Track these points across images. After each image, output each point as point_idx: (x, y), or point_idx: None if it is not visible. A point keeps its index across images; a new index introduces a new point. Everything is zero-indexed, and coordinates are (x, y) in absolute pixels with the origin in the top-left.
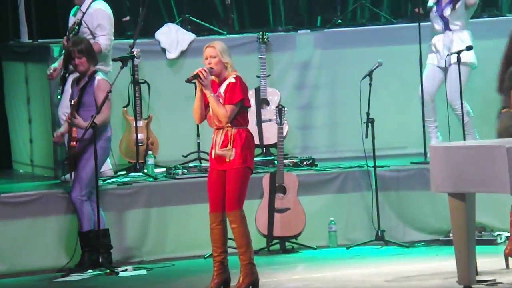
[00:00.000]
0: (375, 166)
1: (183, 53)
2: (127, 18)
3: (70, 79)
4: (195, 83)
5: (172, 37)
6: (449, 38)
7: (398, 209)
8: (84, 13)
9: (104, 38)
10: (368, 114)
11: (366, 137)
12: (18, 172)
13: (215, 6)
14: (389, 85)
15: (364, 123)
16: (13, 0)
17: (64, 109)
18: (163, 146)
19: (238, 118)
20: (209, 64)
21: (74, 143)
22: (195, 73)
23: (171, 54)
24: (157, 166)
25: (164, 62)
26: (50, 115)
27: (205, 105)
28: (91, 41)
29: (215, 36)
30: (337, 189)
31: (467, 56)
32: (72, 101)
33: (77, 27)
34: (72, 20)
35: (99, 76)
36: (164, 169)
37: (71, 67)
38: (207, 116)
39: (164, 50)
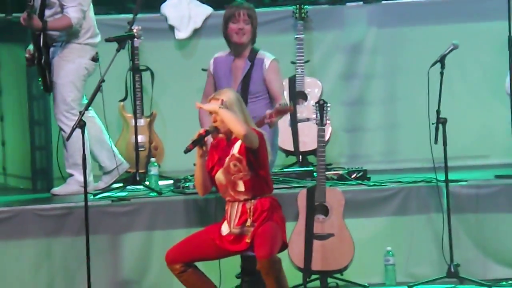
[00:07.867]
0: (447, 181)
1: (196, 32)
2: None
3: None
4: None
5: (183, 11)
6: None
7: (478, 236)
8: None
9: (74, 10)
10: (438, 112)
11: (436, 142)
12: None
13: None
14: (467, 75)
15: (433, 124)
16: None
17: (63, 107)
18: (170, 152)
19: (262, 186)
20: (214, 122)
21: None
22: (196, 137)
23: (181, 33)
24: (162, 177)
25: (172, 44)
26: (27, 110)
27: (209, 172)
28: (57, 15)
29: None
30: (396, 210)
31: None
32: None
33: None
34: None
35: (268, 59)
36: (171, 182)
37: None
38: (217, 185)
39: (172, 28)
